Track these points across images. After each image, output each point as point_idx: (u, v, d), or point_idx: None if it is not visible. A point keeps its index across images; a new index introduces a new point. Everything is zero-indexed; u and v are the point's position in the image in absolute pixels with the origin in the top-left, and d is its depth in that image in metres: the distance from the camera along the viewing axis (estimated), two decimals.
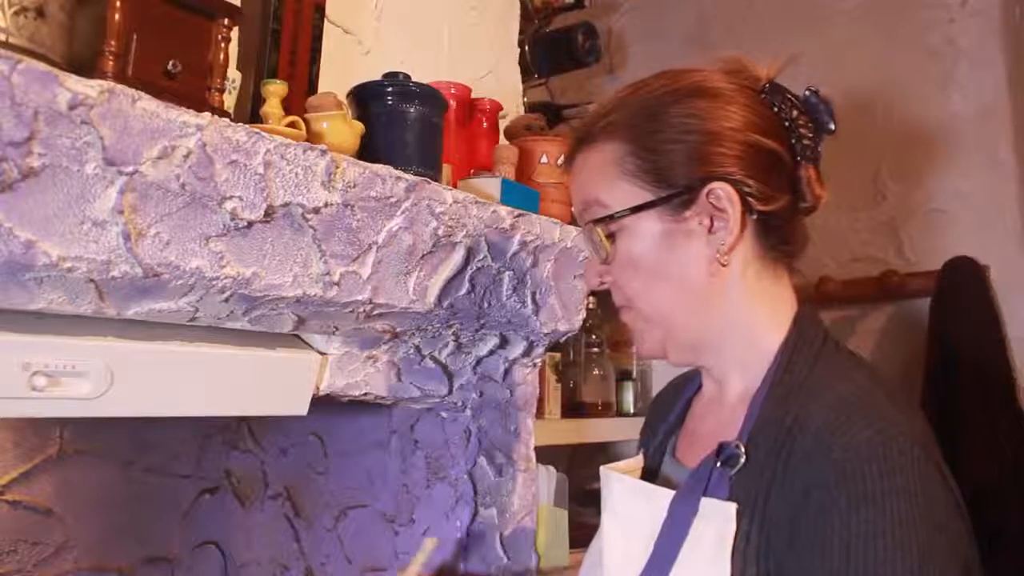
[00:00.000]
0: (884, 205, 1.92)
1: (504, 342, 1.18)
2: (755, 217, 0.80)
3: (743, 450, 0.75)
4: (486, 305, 1.08)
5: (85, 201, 0.69)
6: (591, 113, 0.86)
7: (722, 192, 0.78)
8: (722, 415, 0.84)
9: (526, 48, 1.80)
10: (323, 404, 1.05)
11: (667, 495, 0.79)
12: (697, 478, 0.77)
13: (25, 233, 0.66)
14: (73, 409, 0.81)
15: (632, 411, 1.93)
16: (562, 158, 0.91)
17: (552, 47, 1.86)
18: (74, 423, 1.35)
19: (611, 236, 0.82)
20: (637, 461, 0.92)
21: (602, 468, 0.90)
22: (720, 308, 0.81)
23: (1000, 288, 1.68)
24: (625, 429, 1.85)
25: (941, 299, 1.70)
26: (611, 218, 0.81)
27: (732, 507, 0.73)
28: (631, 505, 0.84)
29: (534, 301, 1.14)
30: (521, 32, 1.65)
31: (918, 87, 1.89)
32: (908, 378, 1.76)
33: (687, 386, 0.95)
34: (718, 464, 0.76)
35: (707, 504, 0.75)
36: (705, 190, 0.78)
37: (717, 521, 0.73)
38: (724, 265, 0.79)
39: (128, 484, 1.42)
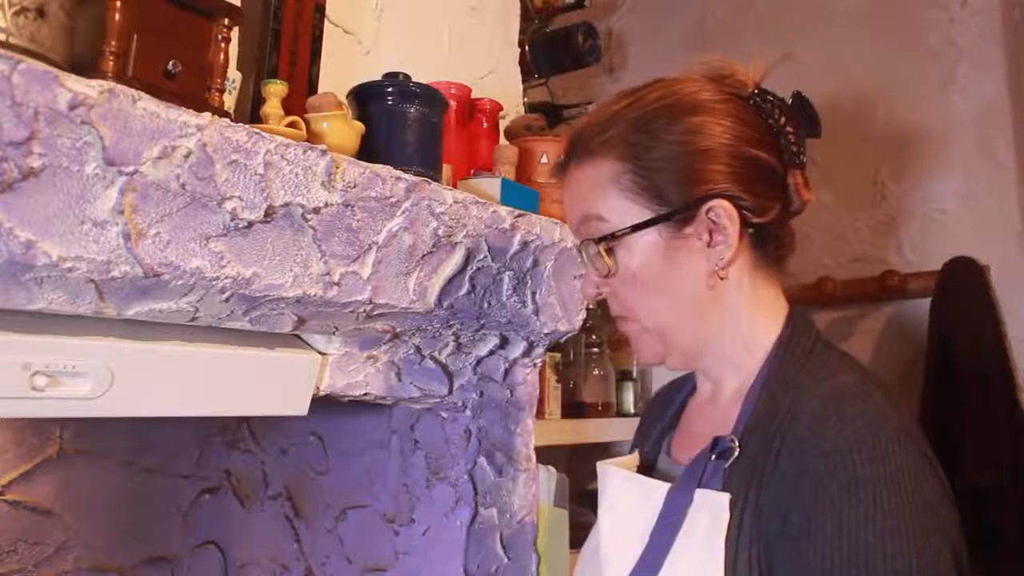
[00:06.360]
0: (884, 205, 1.92)
1: (504, 342, 1.18)
2: (751, 230, 0.81)
3: (736, 443, 0.77)
4: (486, 305, 1.08)
5: (85, 201, 0.69)
6: (584, 124, 0.86)
7: (722, 210, 0.79)
8: (716, 414, 0.85)
9: (526, 48, 1.80)
10: (323, 404, 1.05)
11: (663, 487, 0.81)
12: (692, 471, 0.79)
13: (25, 233, 0.66)
14: (73, 409, 0.81)
15: (632, 411, 1.93)
16: (555, 163, 0.91)
17: (552, 47, 1.86)
18: (74, 423, 1.35)
19: (610, 250, 0.83)
20: (633, 458, 0.94)
21: (599, 463, 0.91)
22: (718, 316, 0.82)
23: (1000, 288, 1.67)
24: (625, 429, 1.84)
25: (941, 299, 1.70)
26: (613, 236, 0.82)
27: (726, 497, 0.74)
28: (628, 497, 0.86)
29: (534, 301, 1.14)
30: (521, 32, 1.65)
31: (918, 87, 1.89)
32: (908, 378, 1.76)
33: (682, 387, 0.96)
34: (712, 457, 0.78)
35: (701, 495, 0.76)
36: (704, 208, 0.79)
37: (711, 510, 0.75)
38: (723, 278, 0.80)
39: (128, 484, 1.42)
